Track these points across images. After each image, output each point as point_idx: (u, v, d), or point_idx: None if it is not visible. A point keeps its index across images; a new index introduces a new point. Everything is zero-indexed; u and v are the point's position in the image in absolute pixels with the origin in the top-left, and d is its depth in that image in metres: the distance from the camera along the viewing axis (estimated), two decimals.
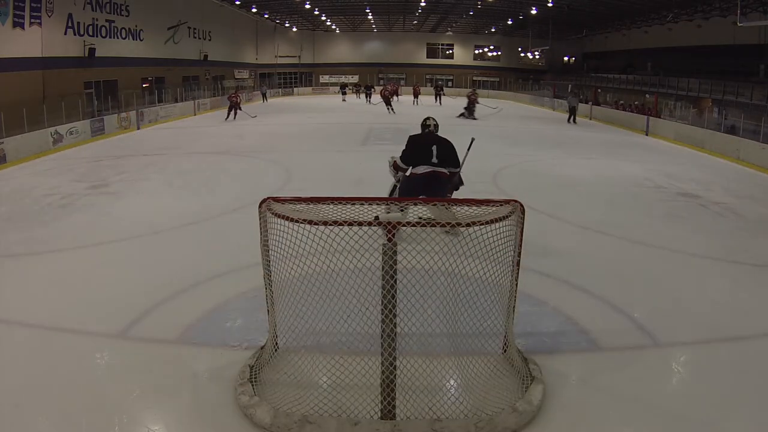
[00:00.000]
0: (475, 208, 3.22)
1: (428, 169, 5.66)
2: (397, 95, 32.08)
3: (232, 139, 15.64)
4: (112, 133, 16.67)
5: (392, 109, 24.27)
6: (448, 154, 5.78)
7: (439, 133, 6.19)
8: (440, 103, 29.73)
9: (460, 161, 5.99)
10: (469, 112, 22.26)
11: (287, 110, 26.48)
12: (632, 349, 3.97)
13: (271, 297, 3.49)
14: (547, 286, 4.95)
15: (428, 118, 6.22)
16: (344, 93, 35.11)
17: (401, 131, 17.88)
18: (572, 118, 21.93)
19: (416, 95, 31.57)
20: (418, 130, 6.28)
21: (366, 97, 32.32)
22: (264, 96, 34.22)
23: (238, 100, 21.68)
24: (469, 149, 6.55)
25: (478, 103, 23.09)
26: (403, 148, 5.87)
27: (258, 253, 3.49)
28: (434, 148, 5.73)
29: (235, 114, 20.95)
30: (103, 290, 4.83)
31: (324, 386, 3.35)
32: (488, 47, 45.00)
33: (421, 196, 5.14)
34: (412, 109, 25.41)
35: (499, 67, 44.32)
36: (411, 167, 5.82)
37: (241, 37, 36.59)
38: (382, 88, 26.42)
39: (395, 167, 5.92)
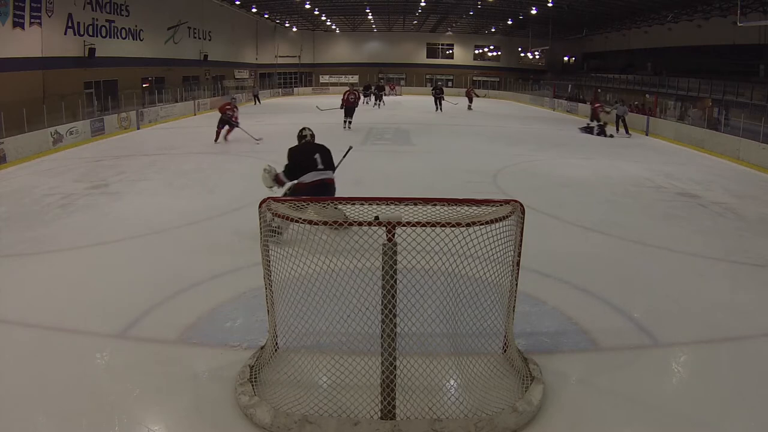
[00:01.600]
0: (475, 208, 3.22)
1: (317, 177, 5.85)
2: (380, 97, 27.91)
3: (232, 138, 15.61)
4: (112, 133, 16.67)
5: (349, 123, 17.60)
6: (329, 158, 6.05)
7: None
8: (440, 108, 24.98)
9: (335, 165, 6.21)
10: (599, 127, 17.58)
11: (288, 110, 26.46)
12: (632, 349, 3.97)
13: (271, 297, 3.49)
14: (547, 286, 4.95)
15: (304, 128, 6.33)
16: (368, 95, 28.78)
17: (402, 131, 17.97)
18: (623, 128, 18.12)
19: (470, 99, 27.33)
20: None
21: (376, 99, 27.98)
22: (256, 98, 31.85)
23: (234, 115, 14.87)
24: (344, 156, 6.96)
25: (607, 112, 18.03)
26: (286, 163, 5.96)
27: (258, 253, 3.49)
28: (317, 156, 5.92)
29: (228, 133, 14.84)
30: (103, 290, 4.83)
31: (324, 386, 3.35)
32: (488, 47, 45.02)
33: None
34: (466, 118, 22.39)
35: (499, 67, 44.33)
36: (296, 179, 5.93)
37: (241, 37, 36.59)
38: (346, 91, 18.21)
39: (276, 180, 5.97)
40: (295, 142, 6.24)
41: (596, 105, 18.78)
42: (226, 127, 14.76)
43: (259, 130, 17.90)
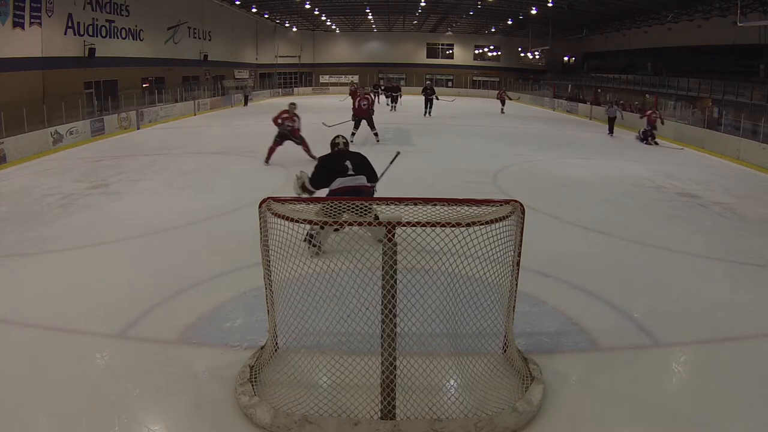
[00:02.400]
0: (475, 208, 3.22)
1: (346, 183, 5.47)
2: (395, 99, 24.97)
3: (232, 139, 15.64)
4: (112, 133, 16.66)
5: (375, 135, 14.24)
6: (364, 165, 5.63)
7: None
8: (429, 112, 21.97)
9: (378, 174, 5.79)
10: (645, 133, 16.50)
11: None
12: (632, 349, 3.97)
13: (271, 297, 3.49)
14: (547, 286, 4.95)
15: (337, 137, 6.02)
16: (388, 96, 25.67)
17: (402, 131, 17.96)
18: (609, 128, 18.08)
19: (503, 102, 25.85)
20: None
21: (391, 101, 25.28)
22: (246, 99, 30.19)
23: (295, 126, 10.92)
24: (392, 162, 6.50)
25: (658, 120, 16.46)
26: (313, 170, 5.66)
27: (258, 253, 3.49)
28: (348, 162, 5.57)
29: (306, 149, 10.98)
30: (103, 290, 4.83)
31: (324, 386, 3.35)
32: (488, 47, 45.05)
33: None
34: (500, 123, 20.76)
35: (499, 67, 44.36)
36: (326, 186, 5.57)
37: (241, 37, 36.59)
38: (357, 96, 14.64)
39: (303, 188, 5.64)
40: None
41: (648, 112, 17.34)
42: (283, 141, 10.90)
43: (260, 131, 17.93)
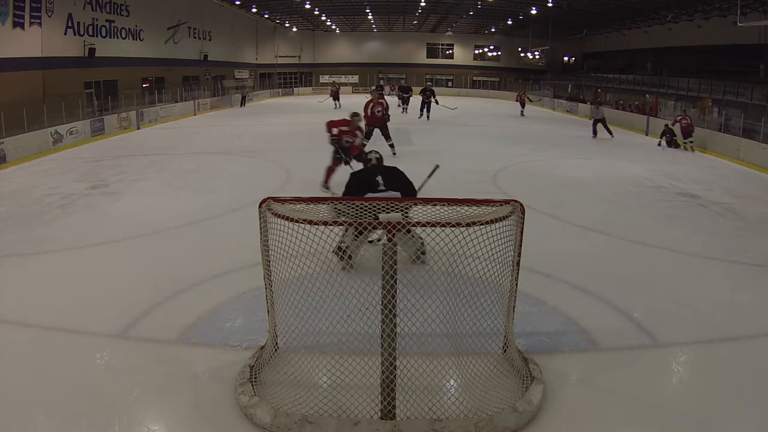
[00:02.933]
0: (475, 208, 3.22)
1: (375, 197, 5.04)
2: (407, 100, 23.50)
3: (232, 139, 15.63)
4: (112, 133, 16.67)
5: (392, 147, 11.90)
6: (397, 179, 5.25)
7: None
8: (427, 114, 20.43)
9: (416, 187, 5.42)
10: (666, 135, 15.66)
11: (288, 111, 26.46)
12: (632, 349, 3.97)
13: (271, 297, 3.49)
14: (547, 286, 4.95)
15: (370, 152, 5.73)
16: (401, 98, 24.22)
17: (402, 131, 17.92)
18: (605, 131, 16.92)
19: (523, 104, 25.29)
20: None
21: (402, 103, 23.70)
22: (243, 100, 29.61)
23: (355, 143, 8.74)
24: (430, 176, 6.24)
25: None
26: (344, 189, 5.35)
27: (258, 253, 3.50)
28: (379, 177, 5.22)
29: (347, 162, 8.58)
30: (103, 290, 4.83)
31: (324, 386, 3.35)
32: (488, 47, 45.04)
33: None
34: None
35: (499, 67, 44.34)
36: None
37: (241, 37, 36.58)
38: (369, 102, 11.77)
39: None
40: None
41: (678, 117, 15.96)
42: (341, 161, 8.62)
43: (260, 131, 17.96)
